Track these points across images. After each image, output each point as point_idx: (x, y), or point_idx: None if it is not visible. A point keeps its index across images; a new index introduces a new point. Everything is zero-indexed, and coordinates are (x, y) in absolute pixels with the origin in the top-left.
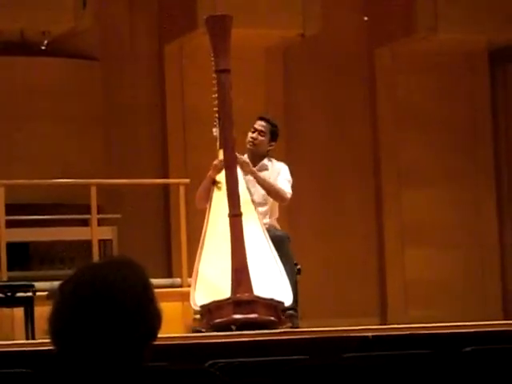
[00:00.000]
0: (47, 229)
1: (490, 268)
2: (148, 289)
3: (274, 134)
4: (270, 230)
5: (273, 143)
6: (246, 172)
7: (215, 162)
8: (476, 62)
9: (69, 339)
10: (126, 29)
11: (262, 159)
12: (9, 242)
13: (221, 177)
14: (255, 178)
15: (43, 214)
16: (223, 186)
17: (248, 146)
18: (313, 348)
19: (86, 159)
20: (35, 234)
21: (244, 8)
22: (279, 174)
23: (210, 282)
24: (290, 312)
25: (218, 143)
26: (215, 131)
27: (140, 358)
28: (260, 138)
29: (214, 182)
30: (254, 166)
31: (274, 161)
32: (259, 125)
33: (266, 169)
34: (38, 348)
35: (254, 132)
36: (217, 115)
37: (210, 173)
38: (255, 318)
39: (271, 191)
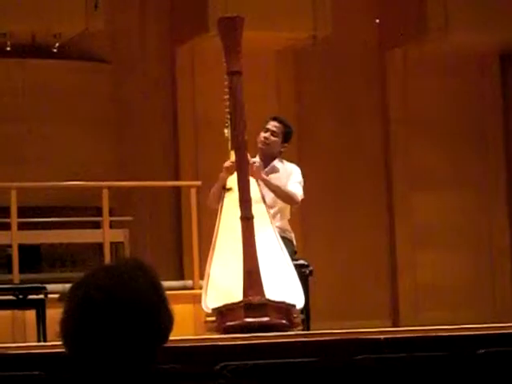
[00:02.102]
0: (59, 231)
1: (501, 271)
2: (159, 291)
3: (286, 136)
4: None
5: (285, 144)
6: (256, 178)
7: (226, 164)
8: (487, 63)
9: (80, 342)
10: (137, 31)
11: (273, 160)
12: (21, 245)
13: (232, 179)
14: (266, 184)
15: (55, 217)
16: (235, 190)
17: (259, 145)
18: (324, 350)
19: (97, 161)
20: (47, 236)
21: (255, 10)
22: (290, 175)
23: (222, 284)
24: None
25: (229, 144)
26: (227, 132)
27: (151, 360)
28: (272, 138)
29: (225, 187)
30: (265, 167)
31: (285, 162)
32: (272, 125)
33: (277, 171)
34: (50, 350)
35: (266, 132)
36: (228, 116)
37: (222, 174)
38: (267, 322)
39: (282, 196)
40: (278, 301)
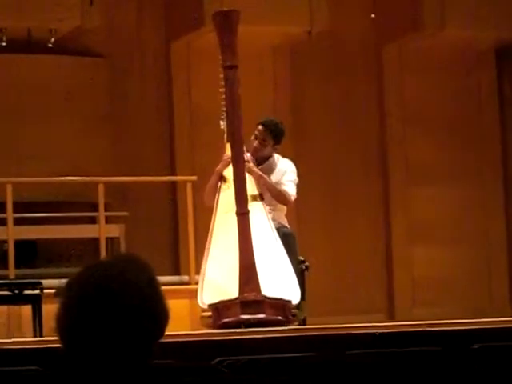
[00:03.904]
0: (55, 226)
1: (498, 266)
2: (155, 286)
3: (276, 137)
4: (278, 229)
5: (277, 146)
6: (254, 177)
7: (224, 158)
8: (483, 58)
9: (76, 337)
10: (133, 26)
11: (266, 160)
12: (16, 240)
13: (228, 173)
14: (262, 182)
15: (51, 212)
16: (231, 183)
17: (250, 151)
18: (320, 345)
19: (93, 157)
20: (43, 231)
21: (251, 5)
22: (284, 174)
23: (218, 280)
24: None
25: (225, 136)
26: (222, 124)
27: (147, 356)
28: (261, 147)
29: (222, 178)
30: (259, 165)
31: (280, 159)
32: (260, 132)
33: (272, 169)
34: (46, 346)
35: (255, 139)
36: (224, 109)
37: (219, 167)
38: (263, 318)
39: (275, 195)
40: (274, 297)
